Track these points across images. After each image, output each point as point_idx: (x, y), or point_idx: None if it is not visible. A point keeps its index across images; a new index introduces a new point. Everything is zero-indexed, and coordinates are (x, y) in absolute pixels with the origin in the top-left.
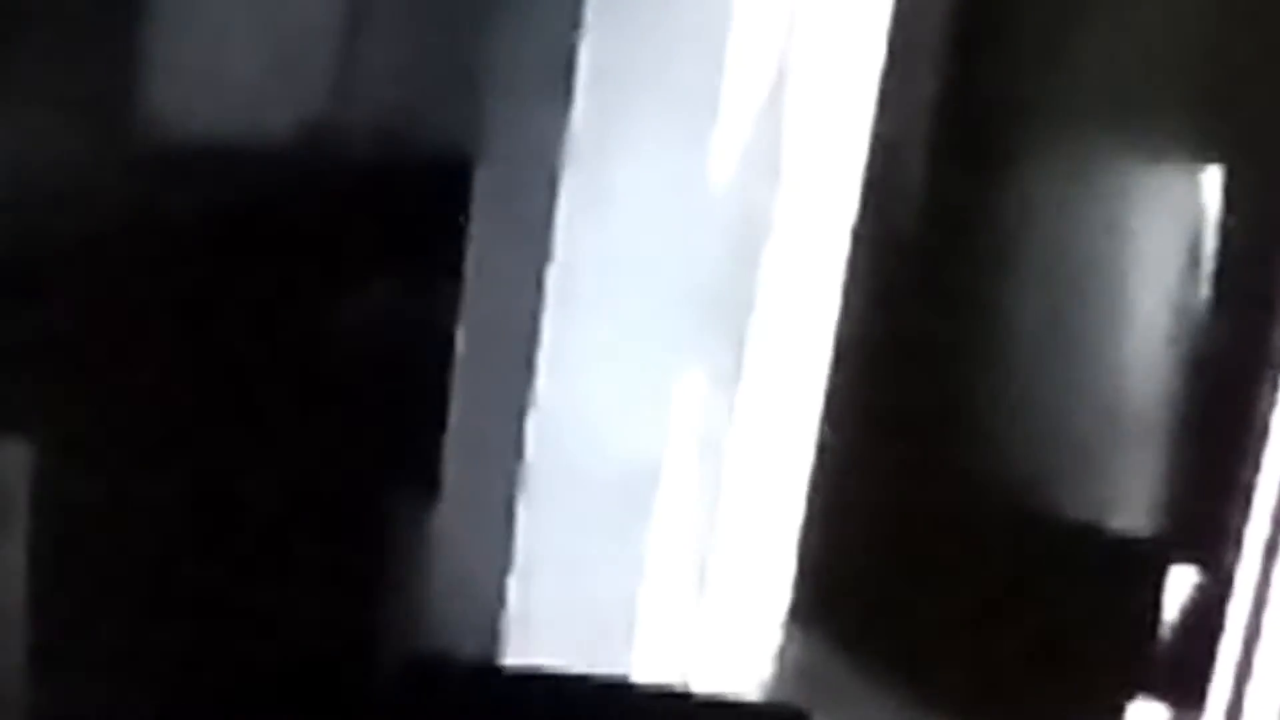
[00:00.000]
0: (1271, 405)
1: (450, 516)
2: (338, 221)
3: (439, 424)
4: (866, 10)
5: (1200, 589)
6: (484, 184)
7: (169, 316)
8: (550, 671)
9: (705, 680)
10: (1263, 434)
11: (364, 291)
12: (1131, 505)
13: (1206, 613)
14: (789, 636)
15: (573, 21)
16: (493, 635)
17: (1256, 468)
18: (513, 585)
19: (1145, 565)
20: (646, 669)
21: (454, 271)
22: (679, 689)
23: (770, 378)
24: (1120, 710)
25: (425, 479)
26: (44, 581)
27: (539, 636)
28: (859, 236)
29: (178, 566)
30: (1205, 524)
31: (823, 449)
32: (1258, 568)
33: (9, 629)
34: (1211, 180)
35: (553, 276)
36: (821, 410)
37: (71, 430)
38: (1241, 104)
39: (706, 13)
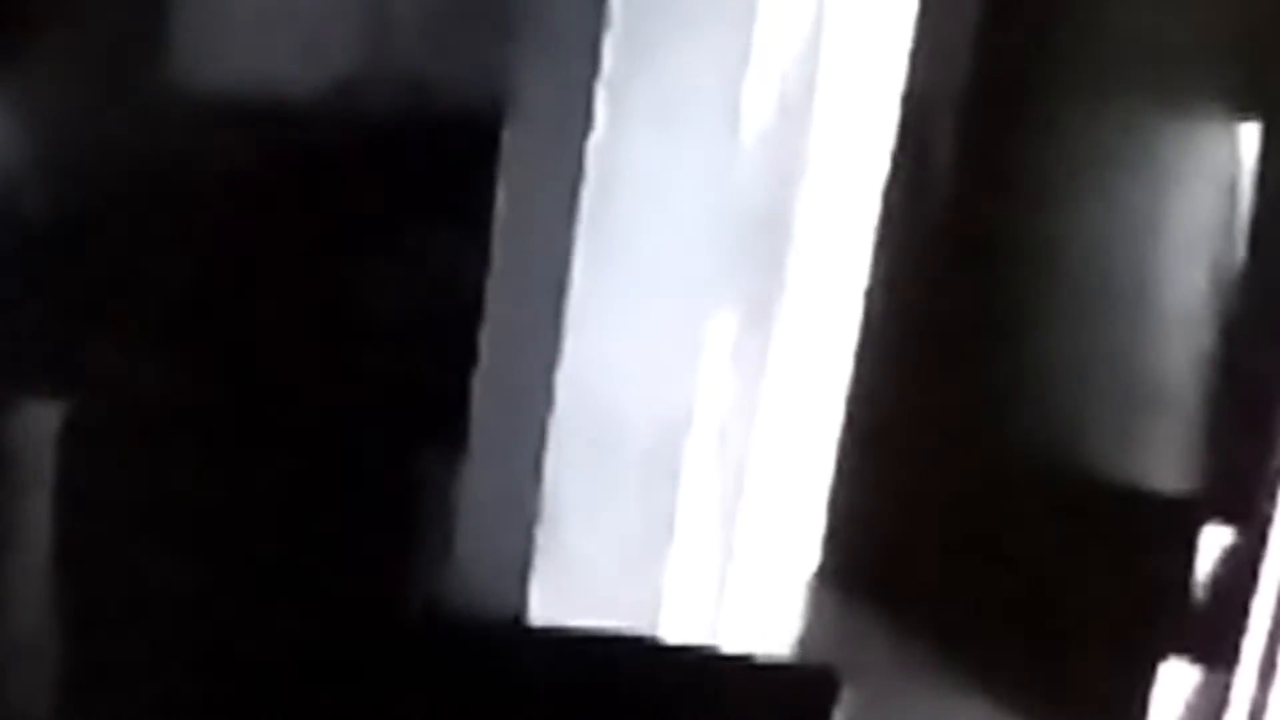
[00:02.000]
0: None
1: (477, 472)
2: (366, 174)
3: (466, 378)
4: None
5: (1233, 550)
6: (513, 137)
7: (198, 273)
8: (576, 630)
9: (733, 639)
10: None
11: (393, 245)
12: (1165, 465)
13: (1240, 574)
14: (818, 596)
15: None
16: (519, 592)
17: None
18: (539, 541)
19: (1179, 526)
20: (674, 627)
21: (483, 224)
22: (706, 648)
23: (801, 335)
24: (1153, 671)
25: (452, 434)
26: (71, 542)
27: (565, 594)
28: (891, 191)
29: (202, 523)
30: (1239, 485)
31: (854, 407)
32: None
33: (37, 589)
34: (1248, 135)
35: (582, 230)
36: (853, 368)
37: (101, 392)
38: (1278, 58)
39: None
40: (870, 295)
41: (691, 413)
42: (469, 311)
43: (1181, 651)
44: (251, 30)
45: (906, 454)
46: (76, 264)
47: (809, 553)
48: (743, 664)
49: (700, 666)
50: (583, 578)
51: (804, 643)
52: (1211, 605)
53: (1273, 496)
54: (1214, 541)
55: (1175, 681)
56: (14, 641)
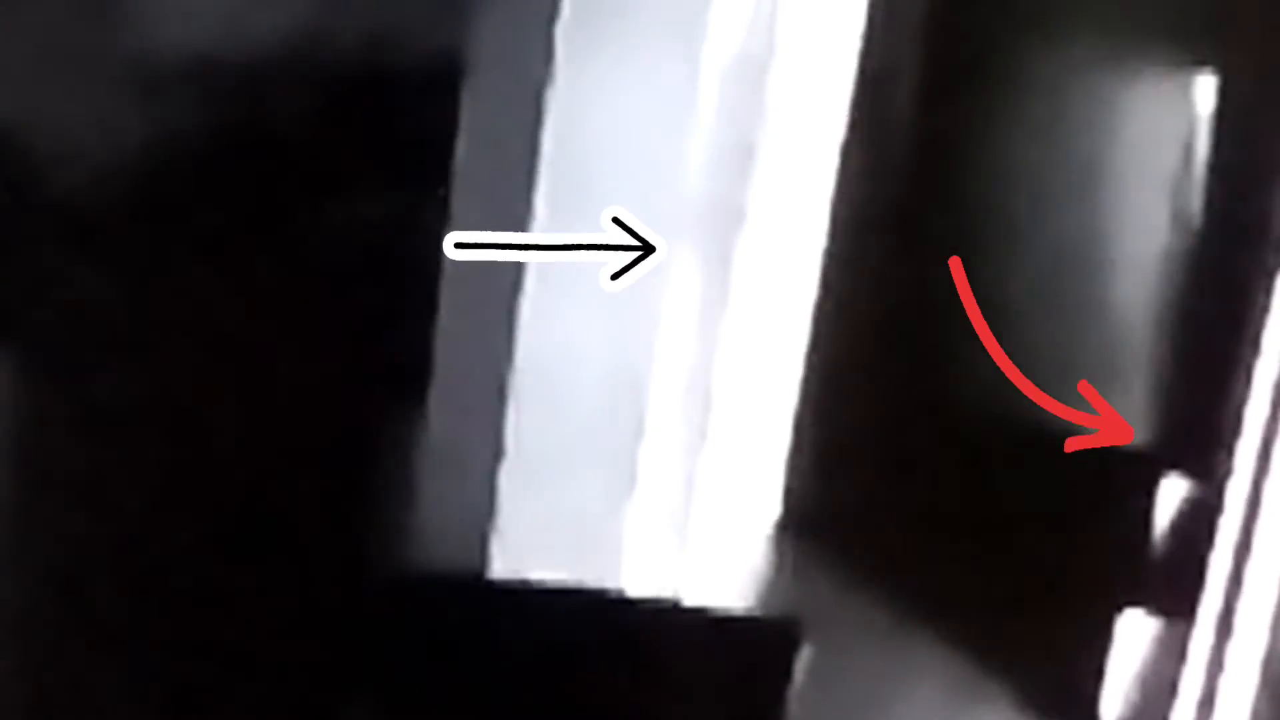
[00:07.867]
0: (1264, 319)
1: (438, 425)
2: (327, 128)
3: (427, 330)
4: None
5: (1192, 501)
6: (472, 85)
7: (158, 226)
8: (537, 584)
9: (695, 592)
10: (1255, 347)
11: (355, 196)
12: (1123, 417)
13: (1198, 526)
14: (779, 548)
15: None
16: (480, 546)
17: (1249, 381)
18: (501, 495)
19: (1137, 477)
20: (635, 582)
21: (443, 177)
22: (668, 601)
23: (762, 287)
24: (1111, 622)
25: (412, 387)
26: (29, 489)
27: (526, 548)
28: (849, 145)
29: (161, 468)
30: (1197, 438)
31: (813, 359)
32: (1249, 481)
33: None
34: (1205, 87)
35: (542, 181)
36: (811, 321)
37: (58, 336)
38: (1234, 10)
39: None
40: (829, 247)
41: (651, 368)
42: (428, 260)
43: (1140, 603)
44: None
45: (865, 408)
46: (34, 214)
47: (769, 506)
48: (705, 617)
49: (662, 620)
50: (544, 531)
51: (765, 595)
52: (1170, 557)
53: (1231, 449)
54: (1172, 494)
55: (1133, 632)
56: None
